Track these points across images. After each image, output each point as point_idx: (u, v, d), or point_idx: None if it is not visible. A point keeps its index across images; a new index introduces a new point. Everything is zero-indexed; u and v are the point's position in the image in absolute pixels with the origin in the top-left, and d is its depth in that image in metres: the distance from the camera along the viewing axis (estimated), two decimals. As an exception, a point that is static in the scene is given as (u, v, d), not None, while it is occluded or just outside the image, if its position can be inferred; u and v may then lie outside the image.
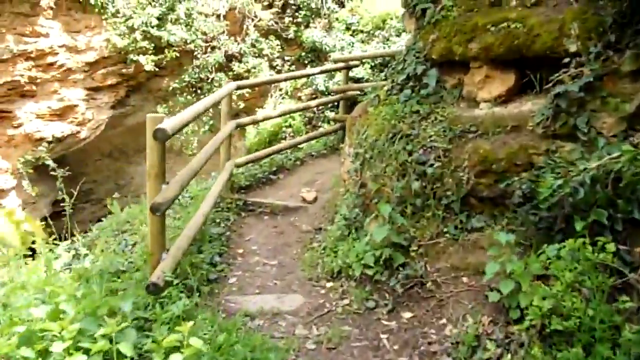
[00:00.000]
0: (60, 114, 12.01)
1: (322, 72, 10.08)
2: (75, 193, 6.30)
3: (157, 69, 12.56)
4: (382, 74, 12.43)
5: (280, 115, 8.46)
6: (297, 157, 8.78)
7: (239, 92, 12.77)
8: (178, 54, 12.55)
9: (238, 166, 7.46)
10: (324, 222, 6.34)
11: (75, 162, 14.23)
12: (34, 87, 11.55)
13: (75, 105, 12.15)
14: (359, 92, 9.76)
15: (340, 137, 9.60)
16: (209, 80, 13.14)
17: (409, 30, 6.18)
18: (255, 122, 7.68)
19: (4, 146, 11.62)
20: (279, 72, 13.57)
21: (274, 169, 8.29)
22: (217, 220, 6.39)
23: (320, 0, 13.79)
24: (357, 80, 11.66)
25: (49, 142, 11.65)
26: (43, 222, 6.19)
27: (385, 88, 5.77)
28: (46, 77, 11.63)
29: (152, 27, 11.95)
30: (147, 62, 12.10)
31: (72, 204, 16.09)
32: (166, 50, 12.35)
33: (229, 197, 7.04)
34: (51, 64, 11.61)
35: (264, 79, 8.20)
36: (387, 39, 12.74)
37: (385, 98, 5.59)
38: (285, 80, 10.66)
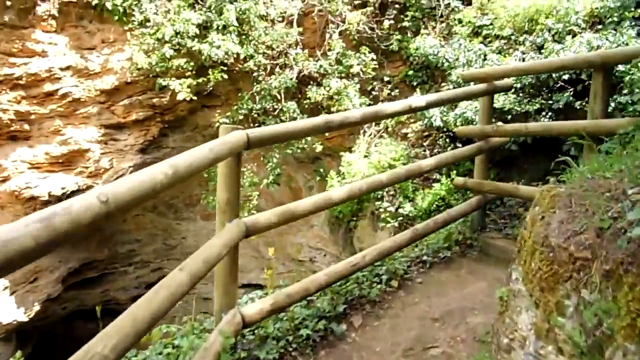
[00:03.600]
0: (64, 162, 8.58)
1: (428, 106, 4.87)
2: None
3: (198, 97, 8.85)
4: (537, 101, 7.97)
5: (348, 200, 3.93)
6: (393, 269, 4.47)
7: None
8: (227, 76, 8.77)
9: (249, 324, 3.26)
10: None
11: (109, 219, 10.84)
12: (25, 127, 8.20)
13: (86, 150, 8.68)
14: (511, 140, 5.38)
15: (477, 221, 5.24)
16: (275, 112, 9.24)
17: None
18: (271, 227, 3.28)
19: (-13, 208, 8.34)
20: (374, 98, 9.43)
21: (342, 307, 4.02)
22: None
23: (436, -5, 9.56)
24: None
25: (45, 203, 8.20)
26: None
27: None
28: (43, 112, 8.25)
29: (190, 38, 8.24)
30: (182, 88, 8.39)
31: (112, 268, 11.74)
32: (210, 72, 8.61)
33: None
34: (50, 94, 8.23)
35: (292, 125, 3.21)
36: (541, 47, 8.23)
37: None
38: (342, 125, 4.05)
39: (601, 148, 3.81)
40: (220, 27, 8.45)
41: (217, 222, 3.18)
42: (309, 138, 9.03)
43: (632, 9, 7.56)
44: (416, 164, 4.34)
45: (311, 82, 9.32)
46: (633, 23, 7.55)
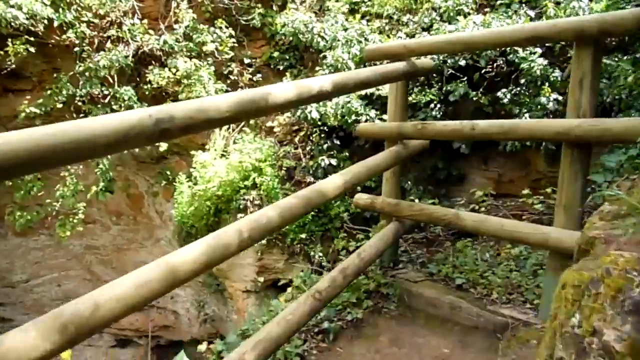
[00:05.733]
0: None
1: (335, 92, 2.87)
2: None
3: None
4: (430, 92, 6.76)
5: (206, 269, 2.02)
6: (282, 355, 2.79)
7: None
8: (36, 50, 6.57)
9: None
10: None
11: None
12: None
13: None
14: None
15: (389, 256, 3.79)
16: (106, 99, 7.15)
17: None
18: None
19: None
20: (233, 84, 7.70)
21: None
22: None
23: (305, -36, 8.02)
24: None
25: None
26: None
27: None
28: None
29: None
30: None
31: None
32: (10, 42, 6.35)
33: None
34: None
35: (55, 131, 1.56)
36: (428, 28, 7.09)
37: None
38: (189, 126, 2.03)
39: (605, 162, 2.56)
40: (22, -18, 6.20)
41: None
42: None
43: (521, -8, 6.73)
44: (316, 187, 2.69)
45: (153, 62, 7.37)
46: (518, 6, 6.75)
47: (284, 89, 2.31)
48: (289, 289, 3.79)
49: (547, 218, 4.11)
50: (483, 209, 4.44)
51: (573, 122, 2.72)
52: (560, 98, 6.05)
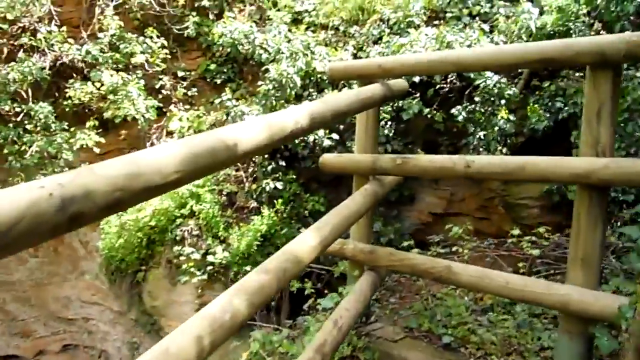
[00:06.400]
0: None
1: (313, 126, 2.17)
2: None
3: None
4: (384, 110, 6.29)
5: None
6: None
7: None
8: None
9: None
10: None
11: None
12: None
13: None
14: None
15: (365, 314, 3.18)
16: (18, 118, 6.27)
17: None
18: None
19: None
20: (166, 99, 7.00)
21: None
22: None
23: (242, -30, 7.42)
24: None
25: None
26: None
27: None
28: None
29: None
30: None
31: None
32: None
33: None
34: None
35: None
36: (379, 39, 6.65)
37: None
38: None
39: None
40: None
41: None
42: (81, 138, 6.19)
43: (470, 5, 6.43)
44: (288, 254, 1.98)
45: (74, 75, 6.57)
46: (469, 20, 6.46)
47: (253, 131, 1.67)
48: (244, 354, 3.17)
49: (543, 263, 3.67)
50: (467, 251, 3.95)
51: (596, 163, 2.25)
52: (513, 118, 5.74)
